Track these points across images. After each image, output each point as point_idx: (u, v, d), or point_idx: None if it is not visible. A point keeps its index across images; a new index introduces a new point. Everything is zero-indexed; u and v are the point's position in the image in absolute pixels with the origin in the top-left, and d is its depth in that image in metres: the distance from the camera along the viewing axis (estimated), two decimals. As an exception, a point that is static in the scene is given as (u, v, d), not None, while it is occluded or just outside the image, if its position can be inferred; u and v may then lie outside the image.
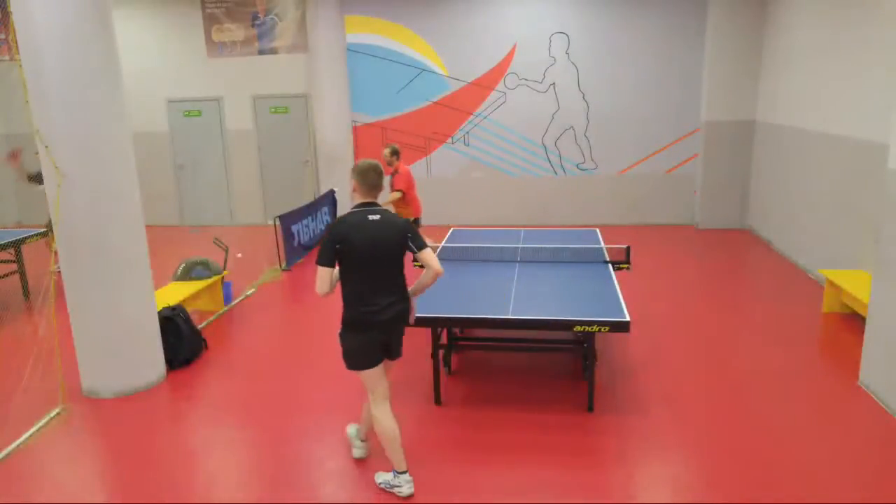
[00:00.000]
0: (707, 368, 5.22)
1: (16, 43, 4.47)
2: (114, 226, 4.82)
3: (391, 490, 3.73)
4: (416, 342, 5.76)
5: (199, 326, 6.09)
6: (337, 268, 3.56)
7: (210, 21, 10.33)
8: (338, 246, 3.48)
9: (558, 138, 10.23)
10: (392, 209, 7.14)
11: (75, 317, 4.91)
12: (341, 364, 3.72)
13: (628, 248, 5.55)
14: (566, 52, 9.90)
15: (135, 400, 4.94)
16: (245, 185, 11.22)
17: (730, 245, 9.01)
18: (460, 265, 5.53)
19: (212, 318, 6.62)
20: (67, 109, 4.54)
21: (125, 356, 4.99)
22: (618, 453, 4.07)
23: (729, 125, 9.57)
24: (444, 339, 5.00)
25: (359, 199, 3.63)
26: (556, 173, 10.38)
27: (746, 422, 4.40)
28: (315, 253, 3.89)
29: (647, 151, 10.11)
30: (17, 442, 4.37)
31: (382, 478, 3.80)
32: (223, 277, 6.95)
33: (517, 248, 5.94)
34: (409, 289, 3.72)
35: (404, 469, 3.71)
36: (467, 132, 10.41)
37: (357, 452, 4.08)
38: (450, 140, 10.49)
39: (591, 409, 4.56)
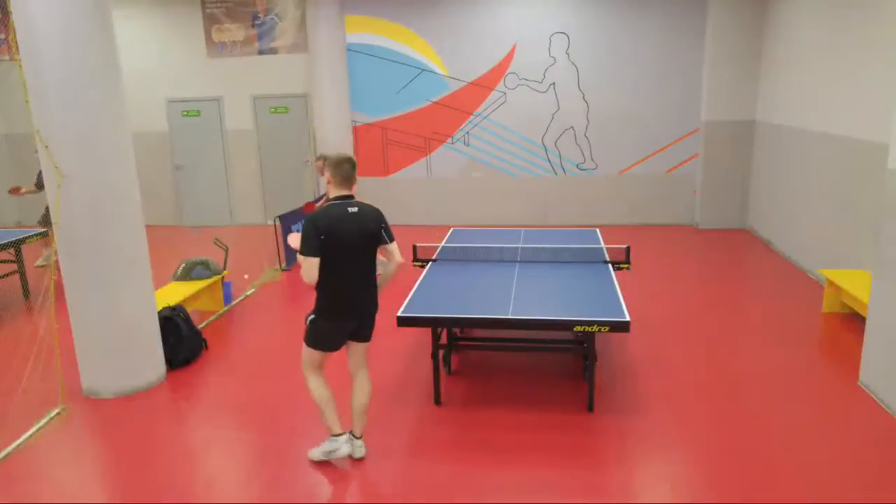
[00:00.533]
0: (707, 368, 5.22)
1: (16, 43, 4.47)
2: (114, 226, 4.81)
3: (329, 457, 3.93)
4: (416, 342, 5.77)
5: (199, 326, 6.09)
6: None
7: (210, 21, 10.34)
8: (322, 237, 3.60)
9: (558, 138, 10.23)
10: None
11: (75, 317, 4.91)
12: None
13: (628, 248, 5.55)
14: (566, 52, 9.90)
15: (135, 400, 4.94)
16: (245, 185, 11.22)
17: (730, 245, 9.01)
18: (460, 265, 5.53)
19: (212, 318, 6.63)
20: (67, 109, 4.54)
21: (125, 356, 4.99)
22: (618, 453, 4.06)
23: (729, 125, 9.57)
24: (444, 339, 5.00)
25: (334, 192, 3.76)
26: (556, 173, 10.38)
27: (746, 422, 4.40)
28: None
29: (647, 151, 10.11)
30: (17, 442, 4.37)
31: (316, 451, 3.96)
32: (223, 277, 6.95)
33: (517, 248, 5.94)
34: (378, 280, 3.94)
35: (339, 431, 3.91)
36: (467, 132, 10.41)
37: (358, 452, 4.07)
38: (450, 140, 10.49)
39: (591, 409, 4.56)
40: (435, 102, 10.37)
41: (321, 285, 3.71)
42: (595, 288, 4.87)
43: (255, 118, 10.96)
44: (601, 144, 10.16)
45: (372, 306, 3.90)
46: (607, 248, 5.79)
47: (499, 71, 10.11)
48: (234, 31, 10.34)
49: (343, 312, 3.78)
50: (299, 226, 8.71)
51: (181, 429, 4.54)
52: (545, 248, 5.86)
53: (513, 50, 10.00)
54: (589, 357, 4.53)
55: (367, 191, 10.71)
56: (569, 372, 5.20)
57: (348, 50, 10.31)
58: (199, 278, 6.68)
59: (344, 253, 3.66)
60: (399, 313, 4.41)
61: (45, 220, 8.28)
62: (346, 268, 3.70)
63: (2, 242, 7.14)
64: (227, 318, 6.71)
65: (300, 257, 3.66)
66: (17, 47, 4.48)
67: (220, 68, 10.67)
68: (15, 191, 8.21)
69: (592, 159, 10.25)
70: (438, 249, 5.91)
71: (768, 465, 3.90)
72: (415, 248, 5.73)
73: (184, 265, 6.77)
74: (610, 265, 5.43)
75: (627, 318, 4.21)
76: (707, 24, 9.42)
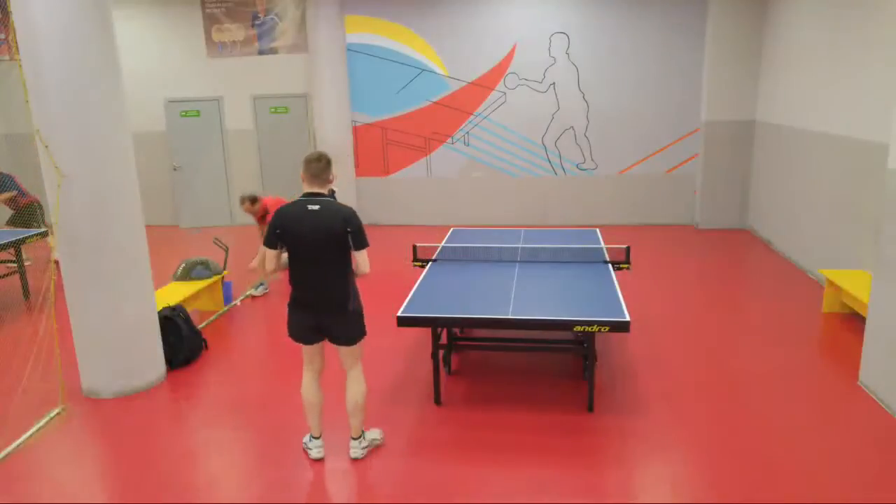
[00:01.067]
0: (707, 368, 5.22)
1: (16, 43, 4.47)
2: (114, 226, 4.81)
3: (305, 450, 4.13)
4: (416, 342, 5.77)
5: (199, 326, 6.09)
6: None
7: (210, 21, 10.34)
8: (277, 231, 3.74)
9: (558, 138, 10.23)
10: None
11: (75, 317, 4.91)
12: (342, 364, 3.74)
13: (628, 248, 5.54)
14: (566, 52, 9.90)
15: (135, 400, 4.94)
16: (245, 185, 11.18)
17: (730, 245, 9.01)
18: (460, 265, 5.53)
19: (212, 318, 6.63)
20: (67, 109, 4.54)
21: (125, 356, 4.99)
22: (618, 453, 4.07)
23: (729, 125, 9.57)
24: (444, 339, 5.00)
25: (304, 188, 3.81)
26: (556, 173, 10.38)
27: (746, 422, 4.40)
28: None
29: (647, 151, 10.11)
30: (17, 442, 4.37)
31: (305, 438, 4.19)
32: (223, 277, 6.95)
33: (517, 248, 5.94)
34: None
35: (317, 435, 4.08)
36: (467, 132, 10.41)
37: (352, 453, 4.07)
38: (450, 140, 10.49)
39: (591, 409, 4.56)
40: (435, 102, 10.36)
41: (290, 276, 3.86)
42: (595, 288, 4.87)
43: (255, 118, 10.96)
44: (601, 144, 10.16)
45: (337, 308, 3.83)
46: (607, 248, 5.79)
47: (499, 71, 10.11)
48: (234, 31, 10.34)
49: (304, 305, 3.85)
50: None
51: (181, 429, 4.54)
52: (545, 248, 5.86)
53: (513, 50, 10.00)
54: (589, 357, 4.53)
55: (368, 191, 10.72)
56: (569, 372, 5.20)
57: (348, 50, 10.31)
58: (199, 278, 6.68)
59: (301, 249, 3.75)
60: (399, 313, 4.41)
61: (16, 221, 8.36)
62: (306, 265, 3.77)
63: (2, 242, 7.15)
64: (227, 318, 6.71)
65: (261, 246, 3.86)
66: (17, 47, 4.48)
67: (220, 68, 10.67)
68: (11, 202, 8.36)
69: (592, 159, 10.25)
70: (438, 249, 5.91)
71: (768, 465, 3.91)
72: (415, 248, 5.73)
73: (184, 265, 6.77)
74: (610, 265, 5.43)
75: (627, 318, 4.21)
76: (707, 24, 9.42)
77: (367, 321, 4.00)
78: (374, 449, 4.16)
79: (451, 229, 6.93)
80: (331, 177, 3.85)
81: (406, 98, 10.42)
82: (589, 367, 4.54)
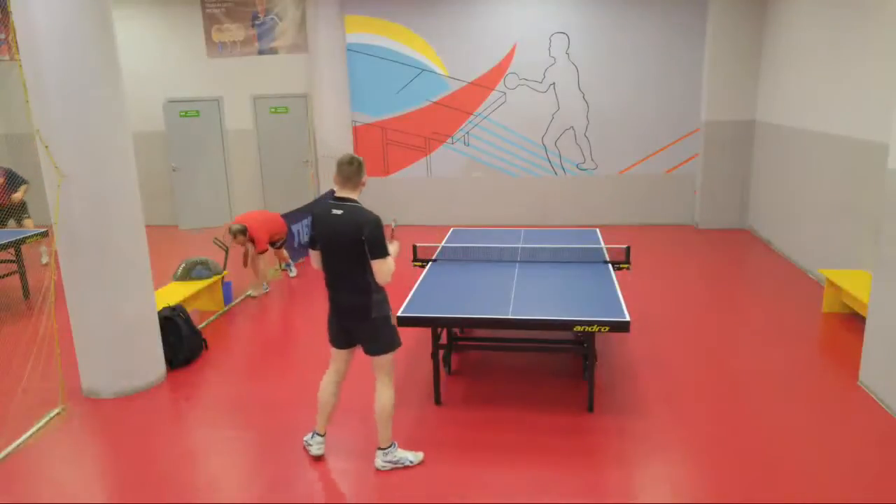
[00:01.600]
0: (707, 368, 5.22)
1: (16, 43, 4.47)
2: (114, 226, 4.81)
3: (305, 447, 4.13)
4: (416, 342, 5.77)
5: (199, 326, 6.09)
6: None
7: (210, 21, 10.33)
8: (312, 233, 3.82)
9: (558, 138, 10.23)
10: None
11: (75, 317, 4.91)
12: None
13: (628, 248, 5.55)
14: (566, 52, 9.90)
15: (135, 400, 4.94)
16: (245, 185, 11.22)
17: (730, 245, 9.01)
18: (460, 265, 5.53)
19: (212, 318, 6.63)
20: (67, 109, 4.54)
21: (125, 356, 4.99)
22: (618, 454, 4.07)
23: (729, 125, 9.57)
24: (444, 339, 5.00)
25: (337, 192, 3.81)
26: (556, 173, 10.38)
27: (746, 422, 4.40)
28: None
29: (647, 151, 10.11)
30: (17, 442, 4.37)
31: (307, 436, 4.19)
32: (223, 277, 6.95)
33: (517, 248, 5.94)
34: None
35: (321, 433, 4.10)
36: (467, 132, 10.41)
37: (376, 463, 3.98)
38: (450, 140, 10.49)
39: (591, 409, 4.56)
40: (435, 102, 10.36)
41: (324, 278, 3.88)
42: (595, 288, 4.87)
43: (255, 118, 10.96)
44: (601, 144, 10.16)
45: (359, 315, 3.75)
46: (607, 248, 5.79)
47: (499, 71, 10.11)
48: (234, 31, 10.33)
49: (333, 308, 3.87)
50: (300, 226, 8.72)
51: (181, 429, 4.54)
52: (545, 248, 5.86)
53: (513, 50, 10.00)
54: (589, 357, 4.53)
55: (368, 191, 10.69)
56: (569, 372, 5.20)
57: (348, 50, 10.31)
58: (199, 278, 6.68)
59: (326, 253, 3.76)
60: (399, 313, 4.40)
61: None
62: (331, 269, 3.78)
63: (2, 242, 7.14)
64: (227, 318, 6.71)
65: None
66: (17, 47, 4.48)
67: (220, 68, 10.67)
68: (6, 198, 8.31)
69: (592, 159, 10.25)
70: (438, 249, 5.91)
71: (768, 465, 3.91)
72: (415, 248, 5.73)
73: (184, 265, 6.77)
74: (610, 265, 5.43)
75: (627, 318, 4.21)
76: (707, 24, 9.42)
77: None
78: (374, 449, 4.08)
79: (451, 229, 6.93)
80: (363, 180, 3.77)
81: (406, 98, 10.42)
82: (589, 367, 4.54)
